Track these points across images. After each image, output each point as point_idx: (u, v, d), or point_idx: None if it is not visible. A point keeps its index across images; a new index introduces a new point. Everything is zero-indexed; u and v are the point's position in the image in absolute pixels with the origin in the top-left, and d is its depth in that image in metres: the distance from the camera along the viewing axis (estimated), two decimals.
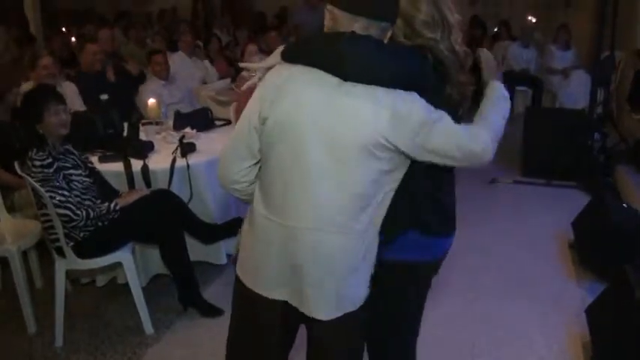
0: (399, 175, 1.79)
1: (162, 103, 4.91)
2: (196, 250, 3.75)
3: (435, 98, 1.74)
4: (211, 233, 3.69)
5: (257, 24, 10.90)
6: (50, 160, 3.09)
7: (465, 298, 3.74)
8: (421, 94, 1.70)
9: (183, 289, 3.50)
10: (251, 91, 1.95)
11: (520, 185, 5.92)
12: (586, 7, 9.71)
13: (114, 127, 4.01)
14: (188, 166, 3.67)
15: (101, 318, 3.60)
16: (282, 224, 1.78)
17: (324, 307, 1.84)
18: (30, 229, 3.59)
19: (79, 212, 3.07)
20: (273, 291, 1.86)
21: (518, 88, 8.77)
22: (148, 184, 3.58)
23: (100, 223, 3.20)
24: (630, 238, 3.72)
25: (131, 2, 12.87)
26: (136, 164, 3.64)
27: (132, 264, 3.32)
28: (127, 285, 3.39)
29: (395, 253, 1.93)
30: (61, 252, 3.21)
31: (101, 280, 3.85)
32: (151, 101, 4.37)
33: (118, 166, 3.63)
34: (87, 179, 3.29)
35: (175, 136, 4.02)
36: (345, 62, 1.64)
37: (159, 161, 3.73)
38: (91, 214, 3.12)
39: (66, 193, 3.08)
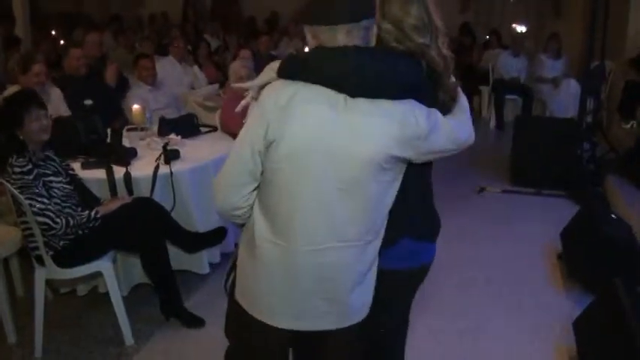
0: (399, 183, 1.78)
1: (148, 108, 4.85)
2: (179, 258, 3.69)
3: (431, 104, 1.74)
4: (194, 242, 3.63)
5: (247, 29, 10.87)
6: (30, 166, 3.02)
7: (451, 310, 3.69)
8: (419, 101, 1.70)
9: (164, 298, 3.44)
10: (245, 110, 1.91)
11: (509, 194, 5.89)
12: (576, 16, 9.74)
13: (97, 133, 3.93)
14: (171, 173, 3.61)
15: (82, 328, 3.52)
16: (291, 248, 1.73)
17: (334, 320, 1.83)
18: (11, 236, 3.50)
19: (58, 220, 3.01)
20: (280, 317, 1.82)
21: (509, 96, 8.79)
22: (130, 191, 3.51)
23: (80, 232, 3.13)
24: (619, 249, 3.69)
25: (121, 5, 12.83)
26: (119, 171, 3.58)
27: (112, 273, 3.25)
28: (108, 294, 3.31)
29: (386, 262, 1.90)
30: (40, 261, 3.14)
31: (82, 290, 3.77)
32: (136, 107, 4.30)
33: (100, 173, 3.56)
34: (67, 186, 3.23)
35: (160, 143, 3.95)
36: (352, 78, 1.61)
37: (142, 168, 3.67)
38: (71, 222, 3.06)
39: (45, 200, 3.01)
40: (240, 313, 1.88)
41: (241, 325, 1.92)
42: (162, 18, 12.08)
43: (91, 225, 3.16)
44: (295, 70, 1.68)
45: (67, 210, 3.13)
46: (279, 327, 1.83)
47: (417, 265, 2.04)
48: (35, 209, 2.97)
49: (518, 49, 8.93)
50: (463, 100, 1.94)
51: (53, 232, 3.02)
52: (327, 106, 1.63)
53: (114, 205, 3.29)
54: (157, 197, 3.57)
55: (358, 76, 1.61)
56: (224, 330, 2.08)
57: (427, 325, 3.40)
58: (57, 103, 4.66)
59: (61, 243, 3.10)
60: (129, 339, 3.32)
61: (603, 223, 3.96)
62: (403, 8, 1.77)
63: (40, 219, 2.98)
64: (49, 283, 3.53)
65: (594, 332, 2.98)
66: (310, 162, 1.65)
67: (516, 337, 3.41)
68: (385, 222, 1.82)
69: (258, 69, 6.32)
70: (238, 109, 1.92)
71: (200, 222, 3.71)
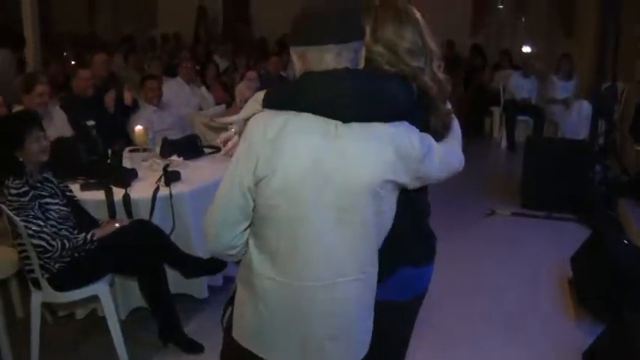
0: (394, 210, 1.71)
1: (153, 129, 4.82)
2: (177, 282, 3.62)
3: (422, 129, 1.69)
4: (193, 267, 3.55)
5: (258, 50, 10.89)
6: (26, 188, 2.98)
7: (458, 337, 3.59)
8: (411, 123, 1.65)
9: (163, 323, 3.36)
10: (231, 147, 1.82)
11: (518, 217, 5.78)
12: (587, 37, 9.66)
13: (97, 154, 3.90)
14: (171, 195, 3.55)
15: (79, 352, 3.46)
16: (293, 284, 1.65)
17: (339, 356, 1.74)
18: (9, 257, 3.46)
19: (54, 243, 2.96)
20: (282, 353, 1.73)
21: (520, 117, 8.71)
22: (129, 213, 3.46)
23: (76, 254, 3.08)
24: (630, 277, 3.57)
25: (133, 27, 12.94)
26: (119, 193, 3.53)
27: (109, 297, 3.19)
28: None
29: (385, 293, 1.82)
30: (37, 284, 3.09)
31: (81, 313, 3.70)
32: (138, 128, 4.27)
33: (99, 194, 3.52)
34: (64, 208, 3.18)
35: (162, 164, 3.91)
36: (345, 103, 1.54)
37: (142, 190, 3.62)
38: (67, 245, 3.01)
39: (41, 222, 2.97)
40: (237, 348, 1.79)
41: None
42: (174, 39, 12.17)
43: (87, 247, 3.10)
44: (283, 99, 1.61)
45: (63, 232, 3.09)
46: None
47: (416, 293, 1.98)
48: (31, 231, 2.92)
49: (529, 70, 8.87)
50: (456, 126, 1.89)
51: (49, 254, 2.97)
52: (319, 135, 1.56)
53: (111, 228, 3.24)
54: (156, 220, 3.51)
55: (351, 100, 1.55)
56: None
57: (429, 353, 3.30)
58: (60, 125, 4.63)
59: (57, 266, 3.05)
60: None
61: (615, 249, 3.86)
62: (397, 32, 1.73)
63: (36, 241, 2.93)
64: (47, 306, 3.48)
65: None
66: (306, 194, 1.58)
67: None
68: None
69: (266, 89, 6.36)
70: (228, 146, 1.82)
71: (199, 245, 3.64)
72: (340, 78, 1.56)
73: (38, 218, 2.97)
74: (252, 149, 1.57)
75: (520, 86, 8.77)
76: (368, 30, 1.72)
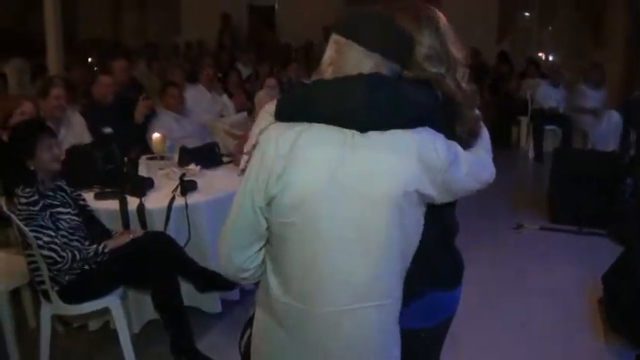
0: (422, 228, 1.58)
1: (172, 136, 4.75)
2: (191, 295, 3.51)
3: (447, 137, 1.57)
4: (208, 282, 3.44)
5: (282, 56, 10.82)
6: (36, 197, 2.91)
7: (480, 358, 3.43)
8: (435, 130, 1.53)
9: (175, 338, 3.25)
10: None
11: (547, 232, 5.59)
12: (617, 45, 9.46)
13: (114, 163, 3.82)
14: (187, 205, 3.45)
15: None
16: (309, 311, 1.53)
17: None
18: (21, 267, 3.37)
19: (64, 254, 2.88)
20: None
21: (548, 127, 8.51)
22: (143, 224, 3.37)
23: (86, 267, 3.00)
24: None
25: (158, 33, 12.95)
26: (134, 202, 3.44)
27: (120, 311, 3.10)
28: None
29: (410, 320, 1.69)
30: (47, 296, 3.01)
31: (94, 325, 3.62)
32: (156, 135, 4.19)
33: (114, 204, 3.44)
34: (76, 218, 3.10)
35: (178, 173, 3.82)
36: (362, 112, 1.43)
37: (158, 200, 3.53)
38: (77, 257, 2.92)
39: (52, 233, 2.89)
40: None
41: None
42: (197, 45, 12.14)
43: (98, 259, 3.02)
44: (294, 110, 1.50)
45: (74, 243, 3.01)
46: None
47: (445, 317, 1.85)
48: (40, 242, 2.84)
49: (558, 79, 8.67)
50: (485, 135, 1.76)
51: (59, 266, 2.89)
52: (335, 146, 1.45)
53: (123, 240, 3.15)
54: (171, 230, 3.42)
55: (367, 107, 1.43)
56: None
57: None
58: (79, 131, 4.59)
59: (67, 278, 2.97)
60: None
61: None
62: (415, 37, 1.61)
63: (46, 252, 2.85)
64: (59, 317, 3.40)
65: None
66: (322, 210, 1.46)
67: None
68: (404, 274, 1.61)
69: None
70: (241, 166, 1.73)
71: (215, 257, 3.51)
72: (354, 83, 1.45)
73: (48, 228, 2.89)
74: (264, 166, 1.47)
75: (548, 95, 8.57)
76: None
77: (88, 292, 3.03)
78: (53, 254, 2.86)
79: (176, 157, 4.26)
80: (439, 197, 1.55)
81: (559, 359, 3.45)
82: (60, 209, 3.03)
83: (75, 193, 3.23)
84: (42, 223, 2.87)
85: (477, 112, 1.71)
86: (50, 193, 3.03)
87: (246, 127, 5.58)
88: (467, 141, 1.66)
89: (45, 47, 7.81)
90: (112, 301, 3.09)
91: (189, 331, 3.29)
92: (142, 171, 3.93)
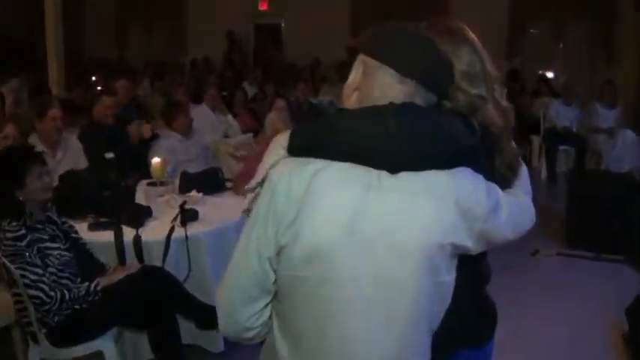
0: (454, 282, 1.35)
1: (176, 160, 4.56)
2: (191, 332, 3.29)
3: (487, 177, 1.36)
4: (209, 319, 3.20)
5: (288, 75, 10.68)
6: (23, 231, 2.70)
7: None
8: (475, 169, 1.33)
9: None
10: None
11: (564, 258, 5.34)
12: (630, 62, 9.27)
13: (111, 189, 3.61)
14: (187, 237, 3.24)
15: None
16: None
17: None
18: (8, 304, 3.17)
19: (52, 294, 2.67)
20: None
21: (561, 147, 8.28)
22: (140, 258, 3.16)
23: (77, 307, 2.78)
24: None
25: (164, 52, 12.84)
26: (130, 233, 3.24)
27: (114, 354, 2.88)
28: None
29: None
30: (35, 337, 2.79)
31: None
32: (155, 160, 3.98)
33: (109, 235, 3.23)
34: (66, 254, 2.88)
35: (179, 200, 3.61)
36: (395, 149, 1.22)
37: (156, 230, 3.32)
38: (67, 296, 2.71)
39: (39, 271, 2.68)
40: None
41: None
42: (203, 63, 12.00)
43: (90, 299, 2.80)
44: (312, 144, 1.28)
45: (64, 281, 2.79)
46: None
47: None
48: (27, 281, 2.64)
49: (570, 98, 8.44)
50: (523, 171, 1.55)
51: (47, 307, 2.67)
52: (358, 188, 1.23)
53: (117, 276, 2.94)
54: (170, 264, 3.21)
55: (398, 143, 1.22)
56: None
57: None
58: (75, 155, 4.41)
59: (56, 319, 2.75)
60: None
61: None
62: (452, 52, 1.42)
63: (32, 292, 2.64)
64: None
65: None
66: (340, 265, 1.24)
67: None
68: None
69: (296, 118, 6.06)
70: (245, 206, 1.44)
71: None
72: (382, 114, 1.23)
73: (36, 266, 2.68)
74: (274, 210, 1.26)
75: (561, 114, 8.35)
76: None
77: (79, 334, 2.80)
78: (41, 294, 2.64)
79: (177, 182, 4.06)
80: (475, 249, 1.34)
81: None
82: (49, 244, 2.82)
83: (66, 225, 3.03)
84: (29, 259, 2.66)
85: (514, 145, 1.51)
86: (39, 226, 2.82)
87: (251, 149, 5.40)
88: (507, 180, 1.46)
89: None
90: (105, 344, 2.86)
91: None
92: (140, 198, 3.73)
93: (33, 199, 2.82)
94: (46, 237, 2.83)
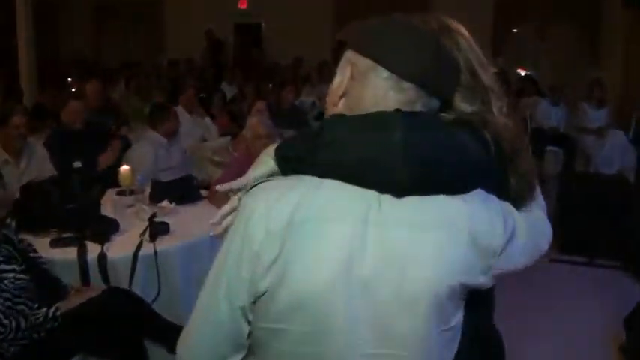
0: (462, 324, 1.14)
1: (158, 168, 4.29)
2: (162, 356, 3.02)
3: (501, 197, 1.15)
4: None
5: (269, 75, 10.41)
6: None
7: None
8: (487, 190, 1.11)
9: None
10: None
11: (557, 264, 5.12)
12: (615, 62, 9.16)
13: (75, 201, 3.33)
14: (156, 253, 2.98)
15: None
16: None
17: None
18: None
19: (6, 322, 2.41)
20: None
21: (549, 148, 8.11)
22: (105, 277, 2.89)
23: (35, 335, 2.51)
24: None
25: (141, 52, 12.52)
26: (95, 250, 2.97)
27: None
28: None
29: None
30: None
31: None
32: (124, 168, 3.70)
33: (72, 253, 2.96)
34: (23, 276, 2.60)
35: (149, 212, 3.35)
36: (402, 168, 0.98)
37: (123, 246, 3.06)
38: (23, 324, 2.45)
39: None
40: None
41: None
42: (183, 64, 11.67)
43: (49, 326, 2.53)
44: (303, 157, 1.04)
45: (20, 307, 2.51)
46: None
47: None
48: None
49: (557, 98, 8.28)
50: (537, 187, 1.31)
51: (1, 336, 2.41)
52: (354, 219, 1.00)
53: (79, 299, 2.67)
54: (138, 283, 2.96)
55: (405, 160, 0.98)
56: None
57: None
58: (41, 163, 4.15)
59: (12, 349, 2.48)
60: None
61: None
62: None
63: None
64: None
65: None
66: (331, 315, 1.01)
67: None
68: None
69: (278, 122, 5.77)
70: (220, 230, 1.20)
71: (189, 313, 3.05)
72: (387, 124, 1.00)
73: None
74: (249, 246, 1.02)
75: (548, 114, 8.20)
76: None
77: None
78: None
79: (148, 191, 3.78)
80: (487, 284, 1.11)
81: None
82: (4, 266, 2.55)
83: (24, 243, 2.76)
84: None
85: (530, 158, 1.27)
86: None
87: (228, 154, 5.13)
88: (524, 199, 1.23)
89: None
90: None
91: None
92: (108, 209, 3.46)
93: None
94: (0, 258, 2.55)
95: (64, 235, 3.10)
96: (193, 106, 6.49)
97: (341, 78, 1.12)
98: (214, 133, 6.48)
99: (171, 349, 2.94)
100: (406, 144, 0.97)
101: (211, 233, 1.22)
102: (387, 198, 1.00)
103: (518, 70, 9.77)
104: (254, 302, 1.04)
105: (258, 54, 12.57)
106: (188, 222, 3.41)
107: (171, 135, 4.73)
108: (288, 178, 1.06)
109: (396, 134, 0.98)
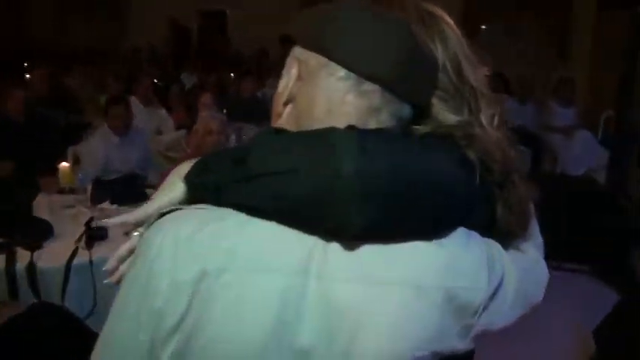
0: None
1: (111, 168, 3.98)
2: None
3: (484, 232, 0.91)
4: None
5: (232, 65, 10.11)
6: None
7: None
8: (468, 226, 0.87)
9: None
10: None
11: None
12: (582, 60, 9.11)
13: (12, 204, 3.03)
14: (91, 262, 2.69)
15: None
16: None
17: None
18: None
19: None
20: None
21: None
22: (34, 289, 2.60)
23: None
24: None
25: (97, 38, 12.07)
26: (25, 258, 2.67)
27: None
28: None
29: None
30: None
31: None
32: (63, 165, 3.40)
33: (1, 261, 2.66)
34: None
35: (89, 214, 3.06)
36: (355, 204, 0.74)
37: (57, 254, 2.76)
38: None
39: None
40: None
41: None
42: (144, 51, 11.27)
43: None
44: (223, 186, 0.79)
45: None
46: None
47: None
48: None
49: (525, 96, 8.15)
50: (534, 221, 1.07)
51: None
52: (289, 272, 0.76)
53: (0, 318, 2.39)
54: (72, 296, 2.67)
55: (362, 200, 0.73)
56: None
57: None
58: None
59: None
60: None
61: None
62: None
63: None
64: None
65: None
66: None
67: None
68: None
69: (236, 115, 5.48)
70: (115, 278, 0.97)
71: None
72: (334, 146, 0.74)
73: None
74: (151, 301, 0.77)
75: (515, 113, 8.06)
76: None
77: None
78: None
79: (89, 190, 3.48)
80: (465, 348, 0.87)
81: None
82: None
83: None
84: None
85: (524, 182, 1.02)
86: None
87: (182, 150, 4.82)
88: (514, 235, 0.98)
89: None
90: None
91: None
92: (44, 210, 3.16)
93: None
94: None
95: None
96: (149, 96, 6.17)
97: (286, 81, 0.88)
98: (170, 125, 6.16)
99: None
100: (361, 174, 0.72)
101: (105, 281, 0.97)
102: (336, 245, 0.76)
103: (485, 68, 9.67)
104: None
105: (223, 42, 12.24)
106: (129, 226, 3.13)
107: (120, 129, 4.40)
108: (206, 207, 0.80)
109: (347, 161, 0.72)
